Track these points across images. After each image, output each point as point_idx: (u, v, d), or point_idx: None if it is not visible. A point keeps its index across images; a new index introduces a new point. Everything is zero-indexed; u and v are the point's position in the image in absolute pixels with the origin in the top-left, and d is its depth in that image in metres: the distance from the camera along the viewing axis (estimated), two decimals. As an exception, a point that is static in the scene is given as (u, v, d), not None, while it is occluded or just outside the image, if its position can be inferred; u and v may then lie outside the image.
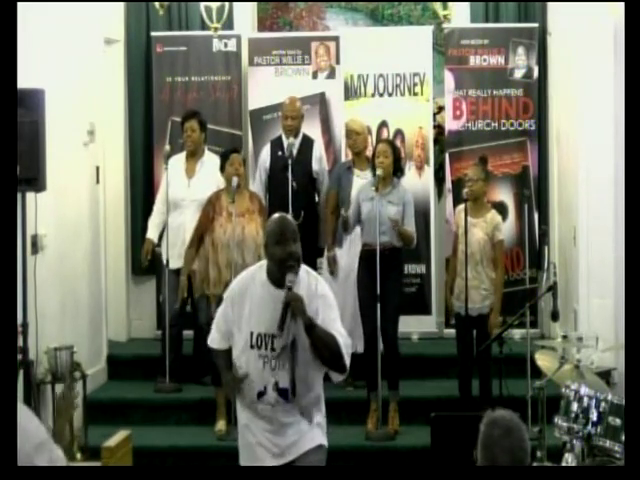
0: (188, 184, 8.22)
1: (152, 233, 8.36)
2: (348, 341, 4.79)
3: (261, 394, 4.76)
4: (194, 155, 8.30)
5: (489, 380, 7.41)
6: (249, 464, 4.89)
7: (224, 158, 7.64)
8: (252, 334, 4.74)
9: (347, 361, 4.75)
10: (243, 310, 4.78)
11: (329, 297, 4.82)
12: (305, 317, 4.63)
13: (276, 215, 4.93)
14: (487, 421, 3.64)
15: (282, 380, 4.74)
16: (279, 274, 4.70)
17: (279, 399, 4.74)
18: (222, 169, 7.64)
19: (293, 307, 4.62)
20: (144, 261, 8.51)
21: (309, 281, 4.79)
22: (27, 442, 3.26)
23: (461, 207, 7.81)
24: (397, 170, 7.56)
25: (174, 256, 8.14)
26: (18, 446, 3.22)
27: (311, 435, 4.85)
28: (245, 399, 4.83)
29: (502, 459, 3.54)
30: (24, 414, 3.33)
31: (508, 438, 3.56)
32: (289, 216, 4.99)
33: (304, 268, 4.84)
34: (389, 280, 7.33)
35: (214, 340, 4.97)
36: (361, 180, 7.91)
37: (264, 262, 4.87)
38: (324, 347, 4.67)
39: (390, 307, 7.35)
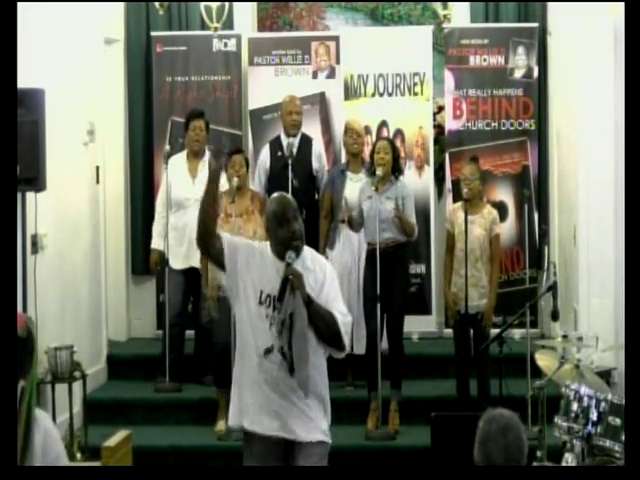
0: (193, 183, 8.21)
1: (157, 243, 8.29)
2: (347, 319, 4.80)
3: (268, 351, 4.76)
4: (197, 155, 8.30)
5: (487, 380, 7.41)
6: (248, 423, 4.86)
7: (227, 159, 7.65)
8: (262, 292, 4.78)
9: (346, 340, 4.77)
10: (252, 266, 4.80)
11: (332, 277, 4.89)
12: (303, 292, 4.67)
13: (275, 195, 5.00)
14: (485, 417, 3.65)
15: (286, 345, 4.77)
16: (284, 252, 4.76)
17: (283, 362, 4.76)
18: (226, 170, 7.65)
19: (292, 282, 4.66)
20: (154, 271, 8.46)
21: (313, 260, 4.87)
22: (52, 450, 3.36)
23: (456, 206, 7.84)
24: (395, 169, 7.58)
25: (179, 256, 8.12)
26: (42, 451, 3.31)
27: (316, 429, 4.85)
28: (250, 358, 4.80)
29: (496, 455, 3.55)
30: (50, 422, 3.42)
31: (504, 435, 3.58)
32: (288, 195, 5.00)
33: (308, 249, 4.91)
34: (395, 278, 7.36)
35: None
36: (354, 183, 7.93)
37: (267, 243, 4.93)
38: (322, 323, 4.71)
39: (396, 305, 7.38)
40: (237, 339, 4.95)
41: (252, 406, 4.84)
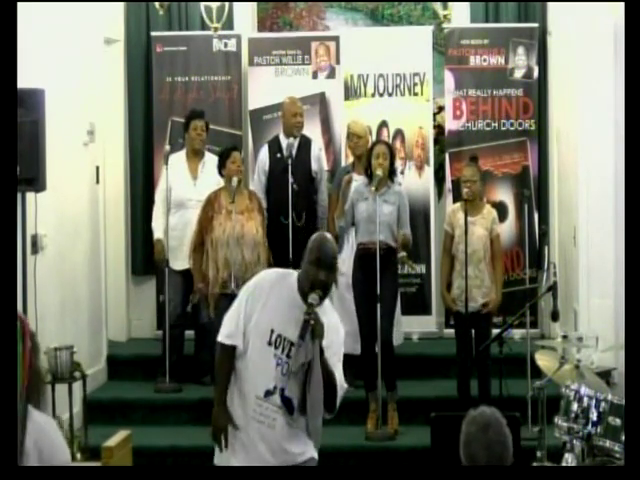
0: (194, 184, 8.22)
1: (160, 233, 8.28)
2: (345, 387, 4.75)
3: (269, 393, 4.69)
4: (197, 155, 8.31)
5: (488, 380, 7.41)
6: (236, 463, 4.84)
7: (224, 156, 7.65)
8: (272, 331, 4.67)
9: (337, 404, 4.71)
10: (269, 302, 4.70)
11: (341, 339, 4.80)
12: (321, 341, 4.59)
13: (319, 235, 4.85)
14: (467, 419, 3.65)
15: (289, 389, 4.69)
16: (306, 290, 4.66)
17: (282, 406, 4.70)
18: (221, 167, 7.65)
19: (315, 329, 4.57)
20: (160, 263, 8.38)
21: (329, 315, 4.75)
22: (46, 453, 3.31)
23: (456, 207, 7.83)
24: (392, 172, 7.58)
25: (179, 257, 8.12)
26: (48, 458, 3.27)
27: (307, 449, 4.83)
28: (248, 397, 4.74)
29: (480, 455, 3.55)
30: (44, 419, 3.37)
31: (485, 433, 3.57)
32: (331, 242, 4.79)
33: (327, 303, 4.81)
34: (383, 280, 7.32)
35: (231, 335, 4.76)
36: (353, 183, 7.94)
37: (295, 272, 4.81)
38: (325, 379, 4.64)
39: (384, 307, 7.34)
40: (234, 376, 4.82)
41: (242, 447, 4.81)
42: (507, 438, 3.60)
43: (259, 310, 4.70)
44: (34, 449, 3.30)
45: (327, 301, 4.80)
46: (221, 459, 4.91)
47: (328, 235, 4.89)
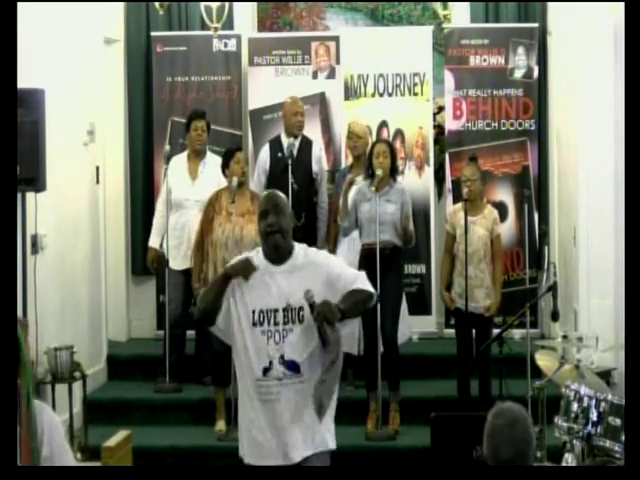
0: (192, 184, 8.22)
1: (154, 241, 8.32)
2: (362, 276, 4.81)
3: (267, 370, 4.70)
4: (198, 155, 8.31)
5: (488, 380, 7.41)
6: (253, 460, 4.82)
7: (228, 156, 7.64)
8: (254, 312, 4.71)
9: (371, 289, 4.78)
10: (244, 289, 4.74)
11: (331, 259, 4.93)
12: (337, 320, 4.61)
13: (265, 192, 5.00)
14: (494, 411, 3.66)
15: (287, 352, 4.69)
16: (267, 248, 4.76)
17: (286, 372, 4.69)
18: (225, 167, 7.63)
19: (329, 321, 4.56)
20: (151, 269, 8.53)
21: (308, 255, 4.81)
22: (58, 436, 3.34)
23: (457, 207, 7.83)
24: (394, 171, 7.57)
25: (178, 257, 8.13)
26: (48, 439, 3.30)
27: (320, 437, 4.78)
28: (251, 384, 4.74)
29: (504, 449, 3.55)
30: (50, 411, 3.40)
31: (512, 429, 3.58)
32: (277, 192, 4.96)
33: (301, 246, 4.85)
34: (388, 279, 7.31)
35: None
36: (355, 185, 7.93)
37: (260, 248, 4.89)
38: (359, 308, 4.80)
39: (388, 306, 7.34)
40: (238, 376, 4.86)
41: (253, 445, 4.79)
42: (532, 437, 3.62)
43: (239, 300, 4.74)
44: (47, 445, 3.32)
45: (300, 246, 4.83)
46: (244, 454, 4.88)
47: (268, 190, 5.07)
